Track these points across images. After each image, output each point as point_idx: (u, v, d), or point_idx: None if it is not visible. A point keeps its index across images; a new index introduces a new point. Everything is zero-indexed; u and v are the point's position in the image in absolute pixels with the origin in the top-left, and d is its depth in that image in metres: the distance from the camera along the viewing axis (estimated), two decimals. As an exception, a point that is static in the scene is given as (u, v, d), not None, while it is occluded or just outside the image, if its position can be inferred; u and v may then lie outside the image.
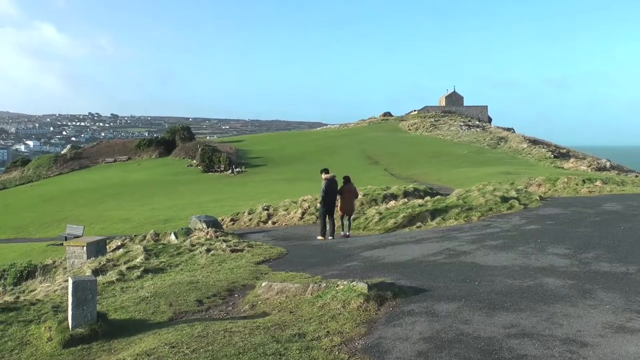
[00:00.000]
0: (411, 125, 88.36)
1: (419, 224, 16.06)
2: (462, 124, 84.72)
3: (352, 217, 16.64)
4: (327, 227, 15.56)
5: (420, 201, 19.48)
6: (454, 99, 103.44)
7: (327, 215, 15.62)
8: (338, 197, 16.08)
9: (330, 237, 15.43)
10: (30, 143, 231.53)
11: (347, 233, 15.88)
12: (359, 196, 21.59)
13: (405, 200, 20.83)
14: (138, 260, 12.98)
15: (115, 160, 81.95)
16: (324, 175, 15.84)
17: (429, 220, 16.18)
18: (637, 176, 35.10)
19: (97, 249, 16.99)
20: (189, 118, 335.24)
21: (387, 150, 61.66)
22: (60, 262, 18.63)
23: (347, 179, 16.27)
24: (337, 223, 16.31)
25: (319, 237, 15.52)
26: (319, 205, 16.48)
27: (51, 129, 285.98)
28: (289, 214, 21.36)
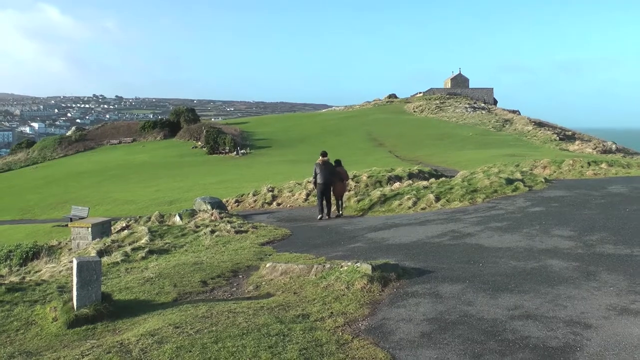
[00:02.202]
0: (416, 107, 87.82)
1: (423, 205, 16.04)
2: (467, 106, 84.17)
3: (355, 199, 16.72)
4: (324, 209, 16.04)
5: (425, 183, 19.44)
6: (459, 81, 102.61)
7: (323, 197, 16.01)
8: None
9: (325, 217, 15.90)
10: (35, 125, 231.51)
11: (340, 213, 16.36)
12: (364, 178, 21.62)
13: (410, 182, 20.78)
14: (143, 241, 13.03)
15: (120, 142, 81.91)
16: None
17: (433, 202, 16.14)
18: (643, 158, 34.85)
19: (102, 230, 17.05)
20: (193, 100, 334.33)
21: (392, 132, 61.35)
22: (66, 243, 18.75)
23: (337, 162, 16.65)
24: (333, 204, 16.71)
25: (318, 217, 15.96)
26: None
27: (56, 110, 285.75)
28: (293, 195, 21.35)
